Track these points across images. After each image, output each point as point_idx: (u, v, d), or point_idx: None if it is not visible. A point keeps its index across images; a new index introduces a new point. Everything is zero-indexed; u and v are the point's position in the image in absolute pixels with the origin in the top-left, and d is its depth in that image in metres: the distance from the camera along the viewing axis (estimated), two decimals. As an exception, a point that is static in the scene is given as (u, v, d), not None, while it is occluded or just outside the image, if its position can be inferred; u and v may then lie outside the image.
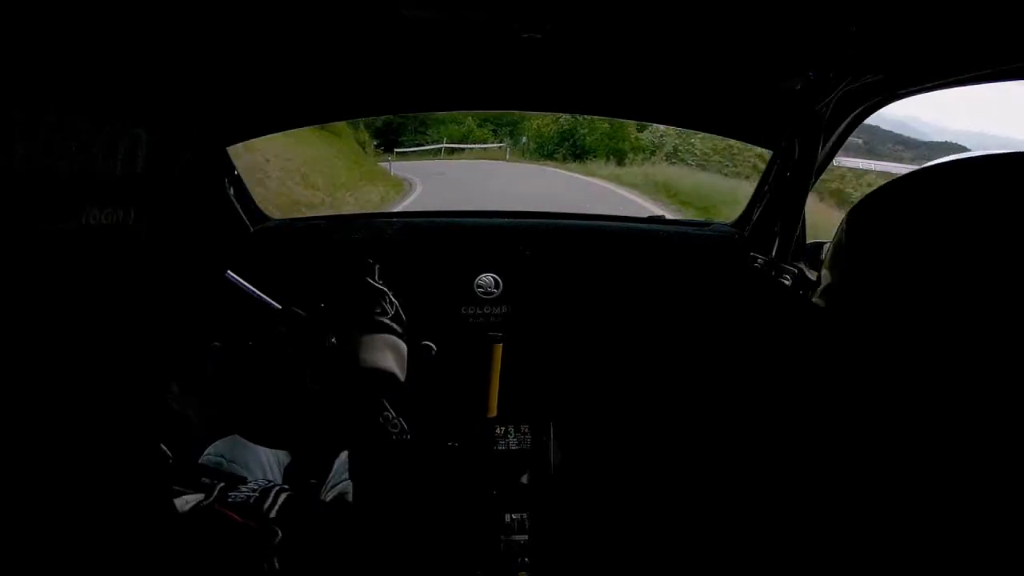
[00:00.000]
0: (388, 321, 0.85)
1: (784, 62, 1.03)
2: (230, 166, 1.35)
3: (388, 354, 0.82)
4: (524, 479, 1.31)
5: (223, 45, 0.95)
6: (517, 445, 1.35)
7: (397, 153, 16.90)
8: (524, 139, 18.75)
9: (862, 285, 0.48)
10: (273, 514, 0.75)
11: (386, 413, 0.81)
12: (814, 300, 0.55)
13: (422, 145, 18.14)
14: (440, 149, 18.25)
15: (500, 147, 18.61)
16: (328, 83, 1.24)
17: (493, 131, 19.21)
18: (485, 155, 18.01)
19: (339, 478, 1.02)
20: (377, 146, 16.44)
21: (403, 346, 0.85)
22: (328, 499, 0.98)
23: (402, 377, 0.82)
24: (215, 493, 0.75)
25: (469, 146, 18.65)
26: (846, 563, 0.46)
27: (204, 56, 0.96)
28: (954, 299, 0.40)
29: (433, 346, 0.97)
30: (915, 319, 0.42)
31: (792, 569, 0.51)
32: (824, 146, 1.21)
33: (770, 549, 0.54)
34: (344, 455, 1.06)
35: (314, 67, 1.14)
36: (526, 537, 1.23)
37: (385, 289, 0.87)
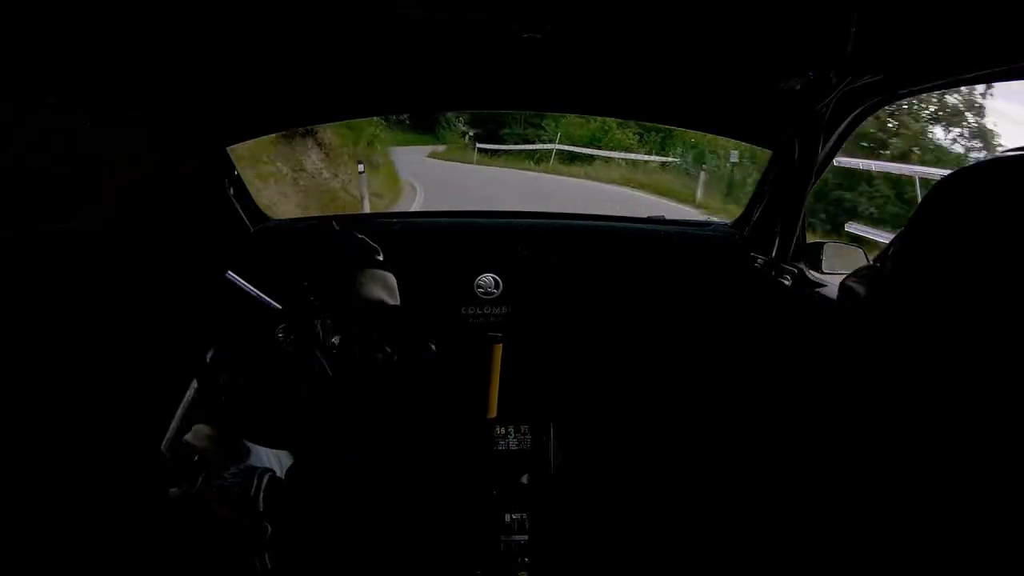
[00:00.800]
0: (369, 256, 0.90)
1: (784, 62, 1.03)
2: (230, 166, 1.35)
3: (375, 286, 0.87)
4: (524, 479, 1.31)
5: (223, 45, 0.95)
6: (517, 445, 1.35)
7: (480, 150, 11.95)
8: (730, 164, 8.86)
9: (930, 278, 0.45)
10: (260, 501, 0.74)
11: (373, 336, 0.85)
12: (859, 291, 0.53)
13: (531, 142, 12.20)
14: (550, 153, 11.55)
15: (670, 164, 10.15)
16: (328, 83, 1.24)
17: (639, 136, 11.53)
18: (634, 178, 9.72)
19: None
20: (472, 137, 12.54)
21: (390, 277, 0.91)
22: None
23: (392, 302, 0.87)
24: (199, 483, 0.75)
25: (604, 154, 10.90)
26: (847, 563, 0.46)
27: (204, 56, 0.96)
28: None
29: (433, 346, 0.97)
30: (975, 317, 0.40)
31: (793, 569, 0.51)
32: (824, 146, 1.21)
33: (770, 548, 0.54)
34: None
35: (314, 67, 1.14)
36: (526, 537, 1.23)
37: (349, 230, 0.93)
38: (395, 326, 0.88)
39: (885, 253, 0.52)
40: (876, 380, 0.48)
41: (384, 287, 0.88)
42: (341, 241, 0.92)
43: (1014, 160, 0.44)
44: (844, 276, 0.56)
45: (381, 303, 0.86)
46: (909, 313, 0.46)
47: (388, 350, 0.85)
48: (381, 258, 0.91)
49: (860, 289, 0.53)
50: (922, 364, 0.44)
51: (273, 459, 1.05)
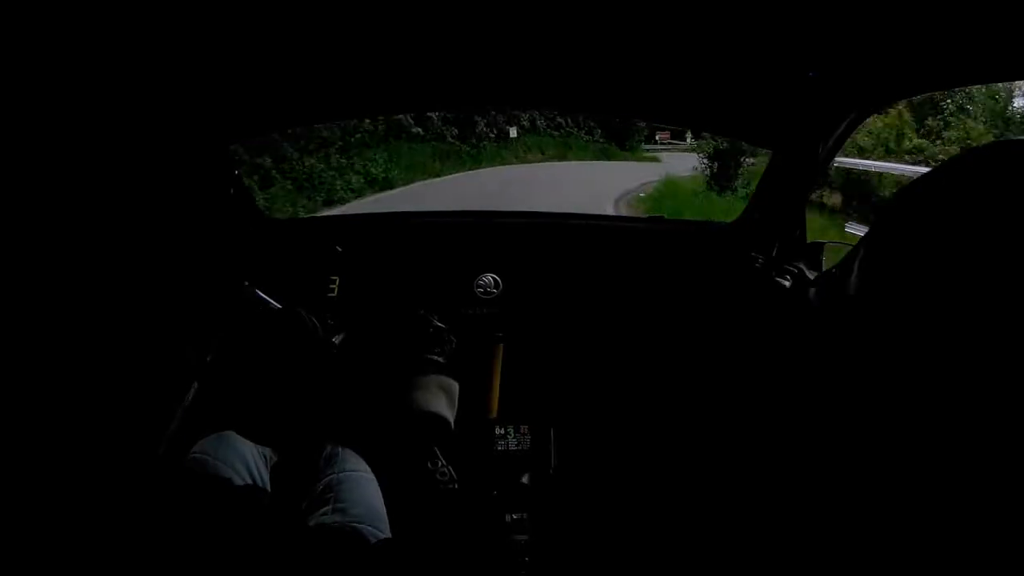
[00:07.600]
0: (442, 361, 0.82)
1: (784, 62, 1.03)
2: (231, 166, 1.35)
3: (441, 396, 0.80)
4: (524, 479, 1.31)
5: (224, 44, 0.95)
6: (517, 445, 1.35)
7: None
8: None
9: (895, 285, 0.45)
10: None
11: (436, 461, 0.80)
12: (823, 298, 0.53)
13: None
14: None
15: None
16: (328, 82, 1.24)
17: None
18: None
19: (330, 469, 1.01)
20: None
21: (454, 386, 0.83)
22: (319, 489, 0.97)
23: (452, 420, 0.80)
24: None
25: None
26: (847, 565, 0.46)
27: (205, 55, 0.96)
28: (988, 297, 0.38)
29: (439, 323, 0.95)
30: (946, 319, 0.40)
31: (792, 570, 0.51)
32: (824, 146, 1.21)
33: (770, 549, 0.54)
34: (329, 449, 1.05)
35: (314, 66, 1.14)
36: (526, 537, 1.23)
37: (443, 327, 0.85)
38: (449, 441, 0.79)
39: (848, 261, 0.51)
40: (856, 383, 0.48)
41: (448, 401, 0.80)
42: (428, 336, 0.82)
43: (978, 162, 0.43)
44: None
45: (443, 420, 0.78)
46: (882, 317, 0.45)
47: (454, 475, 0.78)
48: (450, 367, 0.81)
49: (816, 298, 0.53)
50: (898, 367, 0.44)
51: (259, 457, 1.05)
